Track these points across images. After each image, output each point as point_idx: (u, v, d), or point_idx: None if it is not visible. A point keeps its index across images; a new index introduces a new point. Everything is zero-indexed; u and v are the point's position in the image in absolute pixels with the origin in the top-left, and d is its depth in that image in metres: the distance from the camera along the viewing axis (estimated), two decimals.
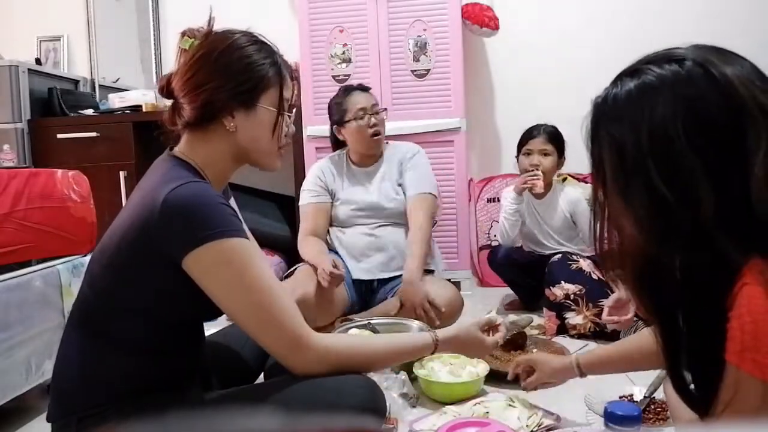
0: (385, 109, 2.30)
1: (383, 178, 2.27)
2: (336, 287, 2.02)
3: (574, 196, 2.29)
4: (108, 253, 1.02)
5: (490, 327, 1.32)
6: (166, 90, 1.09)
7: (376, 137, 2.21)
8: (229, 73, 1.04)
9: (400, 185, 2.26)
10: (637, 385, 1.48)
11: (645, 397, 1.40)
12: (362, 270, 2.19)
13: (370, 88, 2.32)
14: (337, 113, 2.27)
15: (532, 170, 2.23)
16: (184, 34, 1.08)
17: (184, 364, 1.09)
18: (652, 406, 1.38)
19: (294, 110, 1.16)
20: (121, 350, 1.01)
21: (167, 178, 1.00)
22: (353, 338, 1.09)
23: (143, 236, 0.96)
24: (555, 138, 2.28)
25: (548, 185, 2.30)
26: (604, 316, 1.77)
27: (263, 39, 1.13)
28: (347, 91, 2.28)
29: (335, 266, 1.99)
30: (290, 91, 1.13)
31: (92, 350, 1.02)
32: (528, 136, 2.31)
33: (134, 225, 0.98)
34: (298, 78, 1.17)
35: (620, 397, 1.41)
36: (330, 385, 1.07)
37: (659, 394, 1.41)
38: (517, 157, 2.35)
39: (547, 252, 2.28)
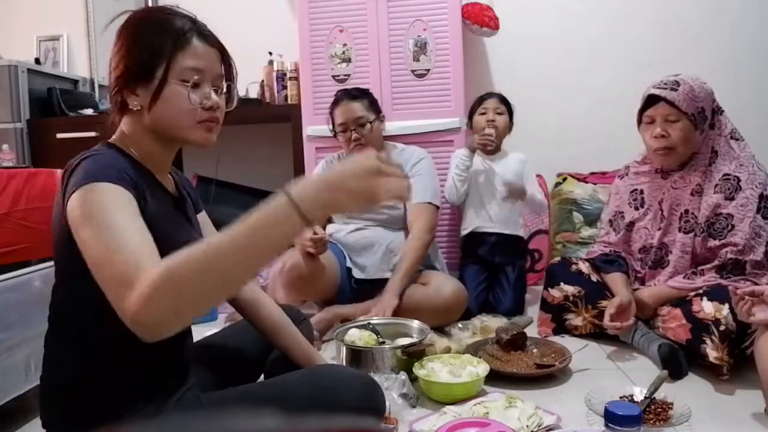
0: (371, 122, 2.22)
1: None
2: (323, 251, 2.04)
3: (521, 156, 2.45)
4: (55, 253, 1.01)
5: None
6: None
7: (357, 148, 2.21)
8: (125, 52, 0.99)
9: None
10: (638, 385, 1.48)
11: (645, 397, 1.39)
12: (354, 267, 2.22)
13: (362, 96, 2.27)
14: (329, 121, 2.32)
15: (488, 127, 2.35)
16: None
17: (167, 359, 1.05)
18: (653, 407, 1.38)
19: (203, 77, 1.02)
20: (98, 350, 0.97)
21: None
22: (189, 249, 0.77)
23: (56, 214, 0.95)
24: (506, 101, 2.46)
25: (500, 145, 2.44)
26: (606, 321, 1.77)
27: (172, 9, 1.04)
28: (336, 99, 2.28)
29: (315, 233, 1.99)
30: (198, 59, 1.00)
31: (70, 354, 0.99)
32: (481, 98, 2.46)
33: (54, 209, 0.98)
34: (218, 46, 1.05)
35: (621, 398, 1.41)
36: (329, 384, 1.08)
37: (659, 395, 1.42)
38: (470, 120, 2.47)
39: (489, 227, 2.36)
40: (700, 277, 1.75)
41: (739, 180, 1.72)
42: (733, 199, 1.72)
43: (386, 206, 2.22)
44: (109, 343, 0.96)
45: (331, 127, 2.31)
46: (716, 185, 1.75)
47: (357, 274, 2.21)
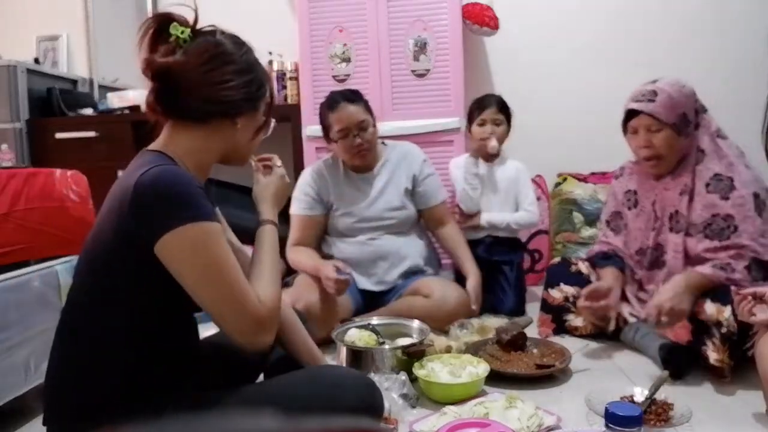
0: (374, 125, 2.15)
1: (387, 185, 2.20)
2: (343, 294, 1.98)
3: (519, 165, 2.46)
4: (89, 249, 1.03)
5: (264, 164, 1.36)
6: (163, 78, 1.04)
7: (360, 154, 2.13)
8: (251, 75, 1.09)
9: (411, 194, 2.22)
10: (638, 385, 1.48)
11: (646, 398, 1.39)
12: (367, 281, 2.16)
13: (359, 99, 2.15)
14: (322, 126, 2.18)
15: (489, 141, 2.37)
16: (170, 19, 1.04)
17: (177, 361, 1.08)
18: (653, 407, 1.37)
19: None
20: (110, 350, 1.00)
21: (140, 163, 1.02)
22: (262, 281, 1.07)
23: (118, 224, 0.97)
24: (505, 107, 2.44)
25: (498, 152, 2.44)
26: (580, 302, 1.78)
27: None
28: (332, 103, 2.12)
29: (339, 271, 1.93)
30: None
31: (83, 352, 1.01)
32: (480, 106, 2.43)
33: (109, 215, 1.00)
34: None
35: (621, 398, 1.41)
36: (328, 384, 1.09)
37: (660, 395, 1.41)
38: (469, 127, 2.47)
39: (482, 233, 2.39)
40: (735, 272, 1.63)
41: (732, 180, 1.70)
42: (728, 199, 1.70)
43: (394, 208, 2.19)
44: (122, 340, 1.00)
45: (324, 132, 2.18)
46: (707, 184, 1.73)
47: (373, 287, 2.14)
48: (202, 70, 1.03)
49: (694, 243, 1.75)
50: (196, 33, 1.06)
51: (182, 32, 1.03)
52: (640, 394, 1.42)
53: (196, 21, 1.07)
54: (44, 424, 1.03)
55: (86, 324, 1.02)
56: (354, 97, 2.16)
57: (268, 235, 1.19)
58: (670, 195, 1.81)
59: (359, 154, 2.14)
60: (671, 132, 1.74)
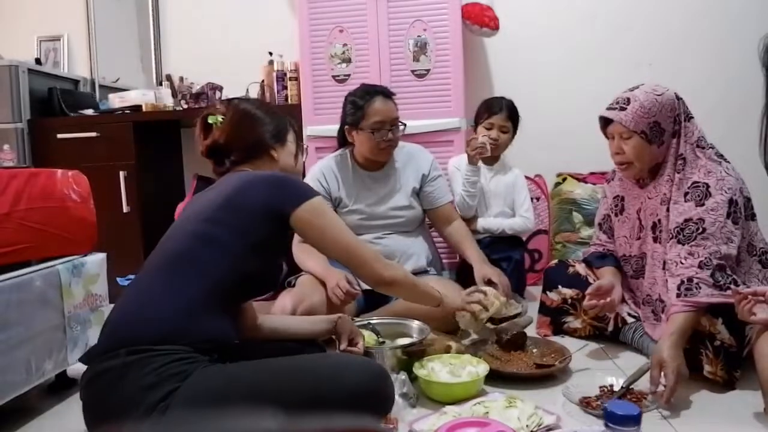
0: (404, 124, 2.17)
1: (396, 183, 2.21)
2: (347, 306, 1.97)
3: (517, 171, 2.51)
4: (207, 213, 1.26)
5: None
6: (213, 152, 1.44)
7: (386, 150, 2.15)
8: (267, 122, 1.46)
9: (417, 194, 2.23)
10: (618, 376, 1.55)
11: (622, 387, 1.46)
12: None
13: (394, 94, 2.19)
14: (352, 114, 2.14)
15: (483, 144, 2.32)
16: (207, 114, 1.45)
17: (228, 326, 1.21)
18: (629, 396, 1.43)
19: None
20: (189, 295, 1.15)
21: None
22: (412, 280, 1.56)
23: (251, 198, 1.27)
24: (514, 114, 2.45)
25: (498, 157, 2.49)
26: (585, 302, 1.78)
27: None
28: (370, 94, 2.13)
29: (350, 283, 1.93)
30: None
31: (158, 291, 1.16)
32: (490, 110, 2.43)
33: (237, 192, 1.28)
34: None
35: (600, 388, 1.49)
36: (337, 365, 1.14)
37: (637, 386, 1.47)
38: (475, 127, 2.49)
39: (480, 235, 2.39)
40: (700, 290, 1.56)
41: (708, 186, 1.67)
42: (703, 205, 1.66)
43: (402, 207, 2.20)
44: (203, 292, 1.17)
45: (351, 120, 2.13)
46: (686, 193, 1.70)
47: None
48: (234, 132, 1.42)
49: (667, 248, 1.72)
50: (226, 113, 1.45)
51: (216, 119, 1.43)
52: (617, 384, 1.49)
53: (226, 108, 1.47)
54: (82, 360, 1.15)
55: (183, 266, 1.20)
56: (390, 93, 2.19)
57: (435, 293, 1.63)
58: (653, 204, 1.80)
59: (385, 150, 2.15)
60: (640, 140, 1.73)
